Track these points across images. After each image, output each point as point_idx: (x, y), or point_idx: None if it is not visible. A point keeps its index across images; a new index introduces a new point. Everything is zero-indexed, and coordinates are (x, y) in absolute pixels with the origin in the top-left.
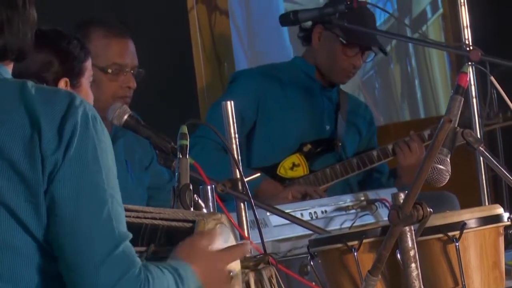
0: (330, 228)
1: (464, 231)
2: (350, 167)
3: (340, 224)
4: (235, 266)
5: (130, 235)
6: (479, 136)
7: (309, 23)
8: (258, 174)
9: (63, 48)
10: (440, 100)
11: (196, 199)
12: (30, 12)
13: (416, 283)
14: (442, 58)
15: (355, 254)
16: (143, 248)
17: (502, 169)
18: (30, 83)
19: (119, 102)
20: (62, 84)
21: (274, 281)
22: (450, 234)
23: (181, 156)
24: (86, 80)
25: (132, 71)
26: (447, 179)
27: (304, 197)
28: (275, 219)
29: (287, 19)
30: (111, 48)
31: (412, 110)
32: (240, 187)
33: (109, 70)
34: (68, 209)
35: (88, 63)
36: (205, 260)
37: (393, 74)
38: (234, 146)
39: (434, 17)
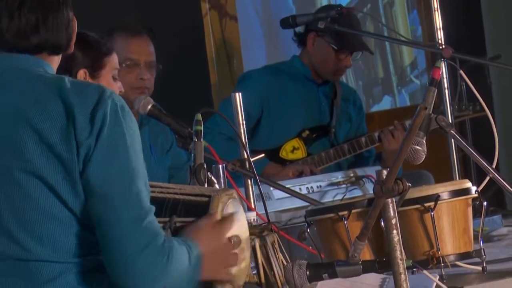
0: (324, 200)
1: (438, 202)
2: (342, 151)
3: (332, 197)
4: (241, 233)
5: (154, 208)
6: (450, 121)
7: (302, 28)
8: (263, 155)
9: (86, 43)
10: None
11: (210, 176)
12: (64, 12)
13: (397, 247)
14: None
15: (345, 222)
16: (166, 219)
17: (470, 149)
18: (67, 78)
19: (136, 92)
20: (81, 73)
21: (276, 245)
22: (426, 205)
23: (196, 140)
24: (107, 73)
25: (145, 65)
26: (423, 158)
27: (301, 174)
28: (277, 193)
29: (286, 23)
30: (127, 46)
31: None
32: (247, 166)
33: (123, 65)
34: (101, 187)
35: (110, 58)
36: (205, 233)
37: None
38: (242, 131)
39: None
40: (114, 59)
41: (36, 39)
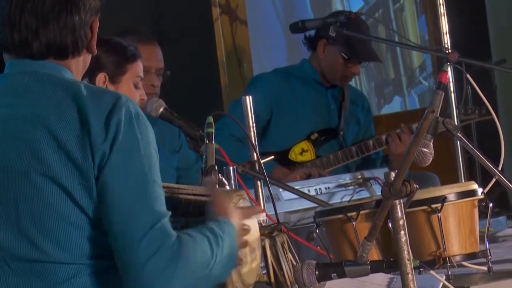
0: (332, 201)
1: (445, 203)
2: (350, 154)
3: (340, 198)
4: (251, 233)
5: (169, 213)
6: (456, 124)
7: (312, 32)
8: (272, 157)
9: (110, 48)
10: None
11: (221, 177)
12: (71, 15)
13: (405, 247)
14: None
15: (354, 223)
16: (177, 219)
17: (476, 151)
18: (83, 84)
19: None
20: (101, 77)
21: (285, 245)
22: (433, 206)
23: (207, 142)
24: (128, 80)
25: (156, 72)
26: (430, 160)
27: (309, 177)
28: (286, 194)
29: (296, 27)
30: None
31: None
32: (257, 168)
33: None
34: (115, 192)
35: (134, 65)
36: (234, 216)
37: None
38: (252, 134)
39: None
40: (137, 67)
41: (37, 43)
